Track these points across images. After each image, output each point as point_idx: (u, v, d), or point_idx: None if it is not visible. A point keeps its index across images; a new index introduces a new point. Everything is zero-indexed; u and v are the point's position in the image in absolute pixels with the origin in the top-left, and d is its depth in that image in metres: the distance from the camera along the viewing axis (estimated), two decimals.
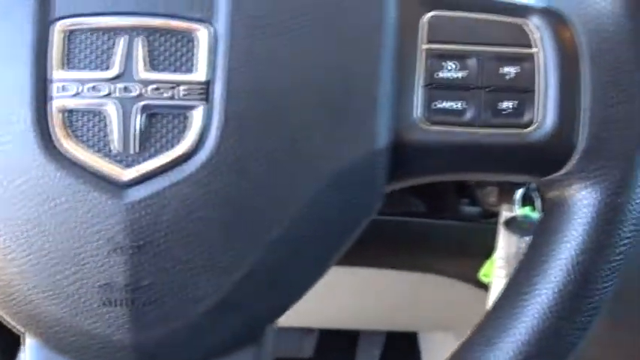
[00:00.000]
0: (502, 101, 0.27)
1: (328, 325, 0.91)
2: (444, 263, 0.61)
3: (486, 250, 0.50)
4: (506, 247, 0.45)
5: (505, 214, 0.46)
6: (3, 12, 0.24)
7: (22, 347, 0.28)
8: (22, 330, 0.27)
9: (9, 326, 0.27)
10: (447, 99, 0.27)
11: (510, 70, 0.27)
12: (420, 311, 0.92)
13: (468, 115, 0.27)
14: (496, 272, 0.46)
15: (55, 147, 0.24)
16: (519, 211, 0.45)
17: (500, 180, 0.45)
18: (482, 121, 0.27)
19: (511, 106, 0.27)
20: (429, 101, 0.27)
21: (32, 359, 0.27)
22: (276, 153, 0.25)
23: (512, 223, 0.45)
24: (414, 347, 1.17)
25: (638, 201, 0.27)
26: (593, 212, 0.27)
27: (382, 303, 0.79)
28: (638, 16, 0.27)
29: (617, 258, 0.27)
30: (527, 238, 0.44)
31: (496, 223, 0.49)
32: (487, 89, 0.27)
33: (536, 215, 0.44)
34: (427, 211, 0.52)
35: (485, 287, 0.60)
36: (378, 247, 0.55)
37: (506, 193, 0.48)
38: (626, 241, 0.27)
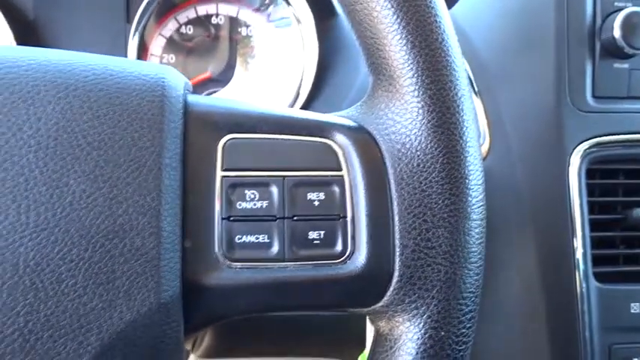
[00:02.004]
0: (310, 231, 0.25)
1: None
2: (323, 350, 0.58)
3: (360, 338, 0.48)
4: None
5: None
6: None
7: None
8: None
9: None
10: (250, 232, 0.24)
11: (317, 196, 0.25)
12: None
13: (274, 249, 0.24)
14: None
15: None
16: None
17: (318, 313, 0.43)
18: (289, 254, 0.25)
19: (320, 237, 0.25)
20: (229, 236, 0.24)
21: None
22: (30, 331, 0.21)
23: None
24: None
25: (462, 333, 0.25)
26: (416, 348, 0.25)
27: None
28: (443, 131, 0.25)
29: None
30: None
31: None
32: (293, 219, 0.25)
33: None
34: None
35: None
36: (253, 339, 0.52)
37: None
38: None
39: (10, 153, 0.21)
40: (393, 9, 0.25)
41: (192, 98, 0.25)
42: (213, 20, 0.59)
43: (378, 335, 0.26)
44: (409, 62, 0.25)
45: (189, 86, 0.26)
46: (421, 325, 0.25)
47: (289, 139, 0.25)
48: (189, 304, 0.23)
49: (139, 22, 0.55)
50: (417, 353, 0.25)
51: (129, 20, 0.56)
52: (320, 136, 0.26)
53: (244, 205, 0.24)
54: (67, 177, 0.22)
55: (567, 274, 0.44)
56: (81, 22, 0.56)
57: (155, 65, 0.26)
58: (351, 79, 0.53)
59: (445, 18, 0.26)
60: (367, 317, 0.44)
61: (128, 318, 0.22)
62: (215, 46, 0.58)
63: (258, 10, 0.58)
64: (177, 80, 0.25)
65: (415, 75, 0.25)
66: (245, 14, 0.58)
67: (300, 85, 0.55)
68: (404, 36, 0.25)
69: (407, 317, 0.25)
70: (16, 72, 0.22)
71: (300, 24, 0.56)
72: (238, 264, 0.24)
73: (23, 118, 0.22)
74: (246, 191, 0.25)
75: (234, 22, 0.58)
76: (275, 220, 0.25)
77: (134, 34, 0.55)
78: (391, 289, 0.25)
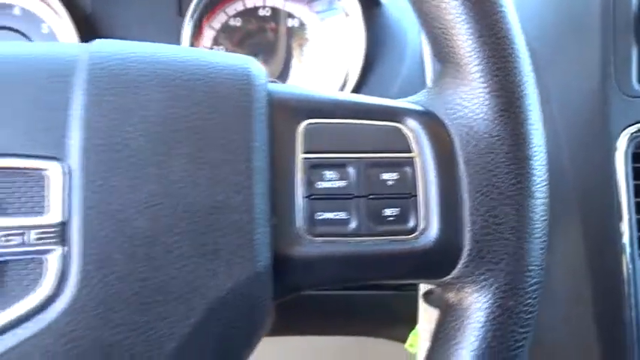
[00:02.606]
0: (385, 209, 0.27)
1: None
2: (374, 329, 0.60)
3: (408, 317, 0.50)
4: (427, 319, 0.45)
5: (423, 286, 0.45)
6: None
7: None
8: None
9: None
10: (329, 209, 0.26)
11: (391, 177, 0.27)
12: None
13: (352, 225, 0.26)
14: (421, 344, 0.46)
15: None
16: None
17: (392, 283, 0.44)
18: (366, 230, 0.26)
19: (394, 214, 0.27)
20: (311, 213, 0.26)
21: None
22: (145, 294, 0.23)
23: (429, 296, 0.45)
24: None
25: (528, 303, 0.27)
26: (485, 316, 0.26)
27: None
28: (509, 115, 0.27)
29: None
30: None
31: (415, 292, 0.48)
32: (369, 197, 0.27)
33: None
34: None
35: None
36: (307, 317, 0.54)
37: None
38: (519, 344, 0.27)
39: (122, 137, 0.23)
40: (460, 1, 0.27)
41: (272, 86, 0.27)
42: (260, 12, 0.61)
43: (447, 306, 0.28)
44: (476, 51, 0.27)
45: (267, 76, 0.28)
46: (490, 296, 0.26)
47: (363, 124, 0.27)
48: (277, 274, 0.25)
49: (192, 15, 0.57)
50: (486, 321, 0.26)
51: (181, 13, 0.58)
52: (392, 121, 0.27)
53: (323, 184, 0.26)
54: (172, 158, 0.24)
55: (613, 258, 0.45)
56: (134, 15, 0.58)
57: (237, 56, 0.28)
58: (396, 68, 0.55)
59: (509, 8, 0.27)
60: (420, 298, 0.45)
61: (228, 285, 0.24)
62: (263, 37, 0.60)
63: (304, 1, 0.60)
64: (259, 70, 0.27)
65: (482, 63, 0.27)
66: (291, 6, 0.60)
67: (347, 74, 0.57)
68: (471, 26, 0.27)
69: (476, 288, 0.27)
70: (125, 65, 0.25)
71: (347, 15, 0.57)
72: (319, 238, 0.26)
73: (133, 106, 0.24)
74: (325, 172, 0.27)
75: (281, 14, 0.60)
76: (352, 199, 0.26)
77: (187, 27, 0.57)
78: (461, 262, 0.27)
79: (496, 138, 0.26)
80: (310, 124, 0.27)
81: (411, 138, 0.27)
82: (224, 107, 0.25)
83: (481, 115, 0.27)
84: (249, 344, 0.26)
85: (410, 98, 0.29)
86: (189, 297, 0.24)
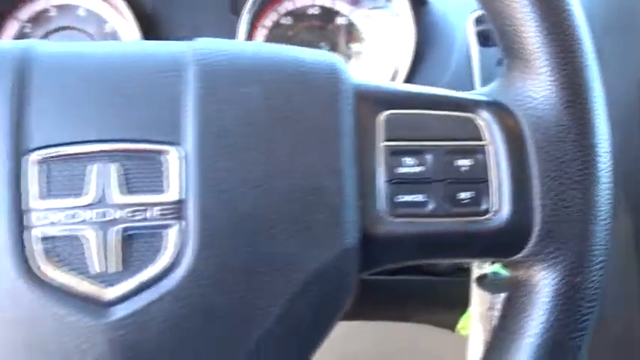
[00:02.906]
0: (460, 192, 0.29)
1: None
2: (422, 314, 0.62)
3: (459, 302, 0.52)
4: (480, 302, 0.47)
5: (476, 271, 0.47)
6: None
7: None
8: None
9: None
10: (409, 193, 0.29)
11: (465, 163, 0.29)
12: (398, 356, 0.93)
13: (430, 207, 0.29)
14: (473, 326, 0.48)
15: (34, 273, 0.25)
16: (490, 268, 0.46)
17: (464, 261, 0.47)
18: (443, 211, 0.29)
19: (469, 197, 0.29)
20: (391, 196, 0.29)
21: None
22: (251, 265, 0.26)
23: (483, 280, 0.47)
24: None
25: (593, 280, 0.29)
26: (554, 292, 0.29)
27: (361, 349, 0.80)
28: (575, 106, 0.29)
29: (580, 333, 0.29)
30: (501, 296, 0.45)
31: (466, 277, 0.50)
32: (445, 182, 0.29)
33: (506, 272, 0.46)
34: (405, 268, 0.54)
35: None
36: (360, 303, 0.56)
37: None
38: (587, 317, 0.29)
39: (230, 125, 0.26)
40: (529, 0, 0.29)
41: (356, 80, 0.30)
42: (310, 11, 0.63)
43: (516, 282, 0.30)
44: (545, 47, 0.29)
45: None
46: (558, 273, 0.29)
47: (439, 114, 0.30)
48: (362, 251, 0.28)
49: (246, 14, 0.59)
50: (554, 296, 0.29)
51: (235, 12, 0.61)
52: (465, 112, 0.30)
53: (403, 170, 0.29)
54: (273, 145, 0.27)
55: None
56: (191, 15, 0.61)
57: (322, 52, 0.30)
58: (445, 64, 0.57)
59: (575, 6, 0.30)
60: (473, 283, 0.48)
61: (321, 260, 0.27)
62: (312, 36, 0.63)
63: (353, 0, 0.62)
64: (343, 64, 0.30)
65: (550, 58, 0.29)
66: (340, 5, 0.63)
67: (396, 72, 0.59)
68: (540, 24, 0.29)
69: (545, 266, 0.29)
70: (229, 61, 0.27)
71: (397, 14, 0.59)
72: (399, 219, 0.29)
73: (237, 98, 0.27)
74: (404, 158, 0.29)
75: (330, 13, 0.63)
76: (430, 183, 0.29)
77: (242, 25, 0.59)
78: (531, 242, 0.29)
79: (564, 127, 0.29)
80: (390, 114, 0.29)
81: (484, 127, 0.29)
82: (315, 99, 0.28)
83: (549, 106, 0.29)
84: (337, 313, 0.28)
85: (480, 90, 0.32)
86: (288, 269, 0.26)
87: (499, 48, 0.31)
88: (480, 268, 0.48)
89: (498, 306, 0.42)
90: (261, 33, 0.63)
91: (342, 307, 0.28)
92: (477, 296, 0.47)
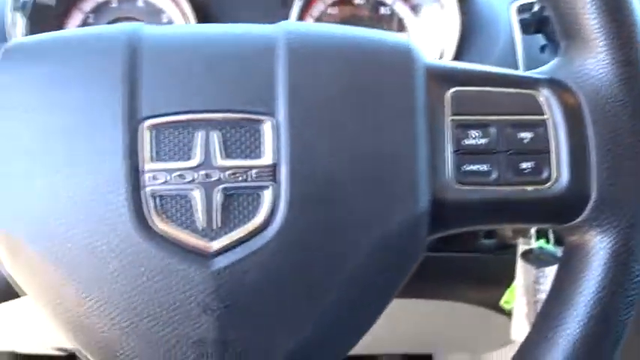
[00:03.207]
0: (522, 162, 0.32)
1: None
2: (463, 291, 0.65)
3: (502, 279, 0.54)
4: (525, 277, 0.49)
5: (522, 246, 0.50)
6: (97, 114, 0.29)
7: None
8: None
9: None
10: (474, 163, 0.31)
11: (527, 135, 0.32)
12: (436, 334, 0.95)
13: (494, 176, 0.31)
14: (517, 300, 0.50)
15: (149, 227, 0.28)
16: (535, 243, 0.49)
17: (525, 227, 0.49)
18: (506, 180, 0.31)
19: (530, 166, 0.32)
20: (458, 165, 0.31)
21: None
22: (335, 223, 0.29)
23: (528, 255, 0.49)
24: None
25: None
26: (609, 254, 0.31)
27: (401, 327, 0.83)
28: (631, 83, 0.31)
29: (634, 292, 0.31)
30: (545, 269, 0.48)
31: (510, 254, 0.53)
32: (508, 153, 0.32)
33: (550, 247, 0.49)
34: (449, 245, 0.57)
35: (501, 311, 0.64)
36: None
37: (520, 227, 0.52)
38: (638, 276, 0.31)
39: (317, 98, 0.29)
40: None
41: (427, 59, 0.33)
42: (355, 1, 0.66)
43: (572, 247, 0.33)
44: (604, 28, 0.31)
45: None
46: (612, 237, 0.31)
47: (503, 91, 0.32)
48: (431, 216, 0.31)
49: (297, 5, 0.62)
50: (609, 258, 0.31)
51: (285, 4, 0.64)
52: (527, 89, 0.32)
53: (469, 141, 0.32)
54: (355, 116, 0.29)
55: None
56: (244, 6, 0.64)
57: (395, 34, 0.33)
58: (489, 53, 0.59)
59: None
60: (519, 257, 0.50)
61: (397, 220, 0.30)
62: (359, 25, 0.66)
63: None
64: (416, 45, 0.32)
65: (608, 38, 0.31)
66: None
67: (441, 58, 0.62)
68: (598, 6, 0.31)
69: (600, 231, 0.31)
70: (315, 41, 0.30)
71: (442, 4, 0.62)
72: (466, 187, 0.31)
73: (323, 73, 0.30)
74: (470, 131, 0.32)
75: (375, 3, 0.65)
76: (494, 154, 0.31)
77: (293, 16, 0.62)
78: (588, 208, 0.31)
79: (620, 102, 0.31)
80: (457, 90, 0.32)
81: (544, 103, 0.32)
82: (393, 77, 0.31)
83: (607, 83, 0.31)
84: (408, 270, 0.31)
85: (539, 69, 0.34)
86: (367, 227, 0.29)
87: (557, 28, 0.34)
88: (526, 243, 0.50)
89: (542, 280, 0.45)
90: (309, 22, 0.66)
91: (412, 264, 0.31)
92: (522, 270, 0.49)
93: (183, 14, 0.63)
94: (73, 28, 0.65)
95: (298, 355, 0.30)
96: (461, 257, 0.57)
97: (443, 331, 0.89)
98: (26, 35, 0.57)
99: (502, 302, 0.53)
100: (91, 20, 0.65)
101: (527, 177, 0.32)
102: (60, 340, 0.96)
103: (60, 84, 0.29)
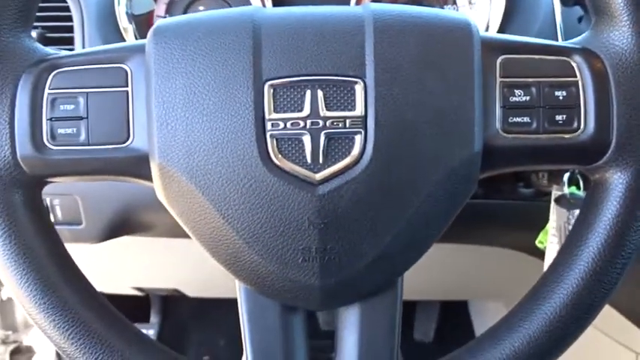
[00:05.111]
0: (557, 115, 0.40)
1: None
2: (500, 236, 0.73)
3: (536, 223, 0.62)
4: (557, 219, 0.57)
5: (555, 192, 0.58)
6: (231, 77, 0.38)
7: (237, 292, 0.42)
8: (240, 281, 0.41)
9: None
10: (518, 115, 0.40)
11: (561, 93, 0.40)
12: (470, 281, 1.04)
13: (534, 126, 0.40)
14: (550, 239, 0.59)
15: (271, 162, 0.38)
16: (567, 189, 0.57)
17: (558, 168, 0.57)
18: (543, 129, 0.40)
19: (563, 118, 0.40)
20: (505, 117, 0.40)
21: (247, 301, 0.41)
22: (410, 160, 0.38)
23: (561, 200, 0.57)
24: (466, 314, 1.29)
25: None
26: (627, 189, 0.39)
27: (437, 275, 0.92)
28: None
29: None
30: (575, 211, 0.56)
31: (546, 202, 0.61)
32: (546, 107, 0.40)
33: (580, 193, 0.56)
34: (489, 193, 0.65)
35: (536, 255, 0.73)
36: None
37: (555, 176, 0.60)
38: None
39: (398, 64, 0.38)
40: None
41: (483, 32, 0.41)
42: None
43: (595, 184, 0.41)
44: (626, 7, 0.39)
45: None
46: (630, 174, 0.39)
47: (542, 58, 0.40)
48: (483, 157, 0.39)
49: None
50: (627, 190, 0.39)
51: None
52: (562, 56, 0.40)
53: (514, 98, 0.40)
54: (427, 77, 0.38)
55: None
56: None
57: (455, 12, 0.41)
58: (531, 23, 0.66)
59: None
60: (553, 202, 0.58)
61: (457, 158, 0.38)
62: (410, 2, 0.73)
63: None
64: (473, 20, 0.40)
65: (630, 15, 0.39)
66: None
67: (487, 30, 0.69)
68: None
69: (620, 169, 0.40)
70: (396, 18, 0.39)
71: None
72: (511, 135, 0.40)
73: (401, 44, 0.38)
74: (516, 90, 0.40)
75: None
76: (534, 108, 0.40)
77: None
78: (609, 152, 0.40)
79: (638, 67, 0.39)
80: (505, 58, 0.40)
81: (576, 67, 0.40)
82: (456, 46, 0.39)
83: (629, 51, 0.39)
84: (463, 201, 0.40)
85: (573, 40, 0.42)
86: (434, 163, 0.38)
87: (589, 6, 0.41)
88: (559, 190, 0.58)
89: (572, 220, 0.53)
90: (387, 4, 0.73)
91: (467, 195, 0.40)
92: (555, 213, 0.58)
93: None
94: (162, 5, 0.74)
95: (378, 261, 0.39)
96: (499, 204, 0.65)
97: (477, 278, 0.98)
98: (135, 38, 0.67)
99: (537, 242, 0.61)
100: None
101: (560, 127, 0.40)
102: (139, 279, 1.08)
103: (203, 54, 0.38)
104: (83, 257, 0.88)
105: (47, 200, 0.68)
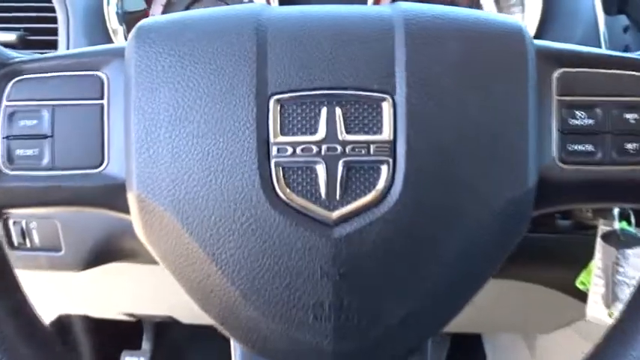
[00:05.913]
0: (627, 143, 0.32)
1: None
2: (532, 272, 0.65)
3: (576, 261, 0.55)
4: (604, 258, 0.50)
5: (602, 227, 0.50)
6: (229, 89, 0.31)
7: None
8: (235, 340, 0.34)
9: None
10: (579, 142, 0.32)
11: (633, 116, 0.32)
12: (488, 314, 0.96)
13: (598, 156, 0.32)
14: (594, 281, 0.51)
15: (276, 195, 0.30)
16: (618, 225, 0.49)
17: (630, 208, 0.50)
18: (610, 160, 0.32)
19: (635, 147, 0.32)
20: (563, 144, 0.32)
21: None
22: (447, 199, 0.30)
23: (610, 237, 0.50)
24: (480, 346, 1.21)
25: None
26: None
27: (476, 309, 0.83)
28: None
29: None
30: (625, 251, 0.48)
31: (586, 236, 0.53)
32: (614, 133, 0.32)
33: (632, 229, 0.49)
34: None
35: (569, 292, 0.65)
36: None
37: (601, 208, 0.53)
38: None
39: (433, 77, 0.30)
40: None
41: (537, 40, 0.33)
42: None
43: None
44: None
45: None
46: None
47: (608, 72, 0.33)
48: (537, 192, 0.32)
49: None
50: None
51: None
52: (632, 70, 0.33)
53: (575, 121, 0.32)
54: (469, 94, 0.31)
55: None
56: None
57: (505, 16, 0.34)
58: (570, 33, 0.59)
59: None
60: (599, 238, 0.51)
61: (505, 197, 0.31)
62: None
63: None
64: (525, 27, 0.33)
65: None
66: None
67: None
68: None
69: None
70: (432, 21, 0.32)
71: None
72: (570, 167, 0.32)
73: (439, 54, 0.31)
74: (576, 111, 0.33)
75: None
76: (598, 135, 0.32)
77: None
78: None
79: None
80: (564, 71, 0.33)
81: None
82: (505, 57, 0.32)
83: None
84: (510, 247, 0.33)
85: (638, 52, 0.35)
86: (476, 203, 0.31)
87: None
88: (607, 225, 0.51)
89: (622, 261, 0.45)
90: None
91: (516, 240, 0.33)
92: (602, 251, 0.50)
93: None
94: (158, 6, 0.68)
95: (405, 322, 0.32)
96: (532, 237, 0.57)
97: (494, 311, 0.90)
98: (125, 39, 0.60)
99: (577, 282, 0.54)
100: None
101: (632, 157, 0.32)
102: (130, 306, 1.00)
103: (195, 61, 0.31)
104: (70, 281, 0.81)
105: (22, 223, 0.61)
